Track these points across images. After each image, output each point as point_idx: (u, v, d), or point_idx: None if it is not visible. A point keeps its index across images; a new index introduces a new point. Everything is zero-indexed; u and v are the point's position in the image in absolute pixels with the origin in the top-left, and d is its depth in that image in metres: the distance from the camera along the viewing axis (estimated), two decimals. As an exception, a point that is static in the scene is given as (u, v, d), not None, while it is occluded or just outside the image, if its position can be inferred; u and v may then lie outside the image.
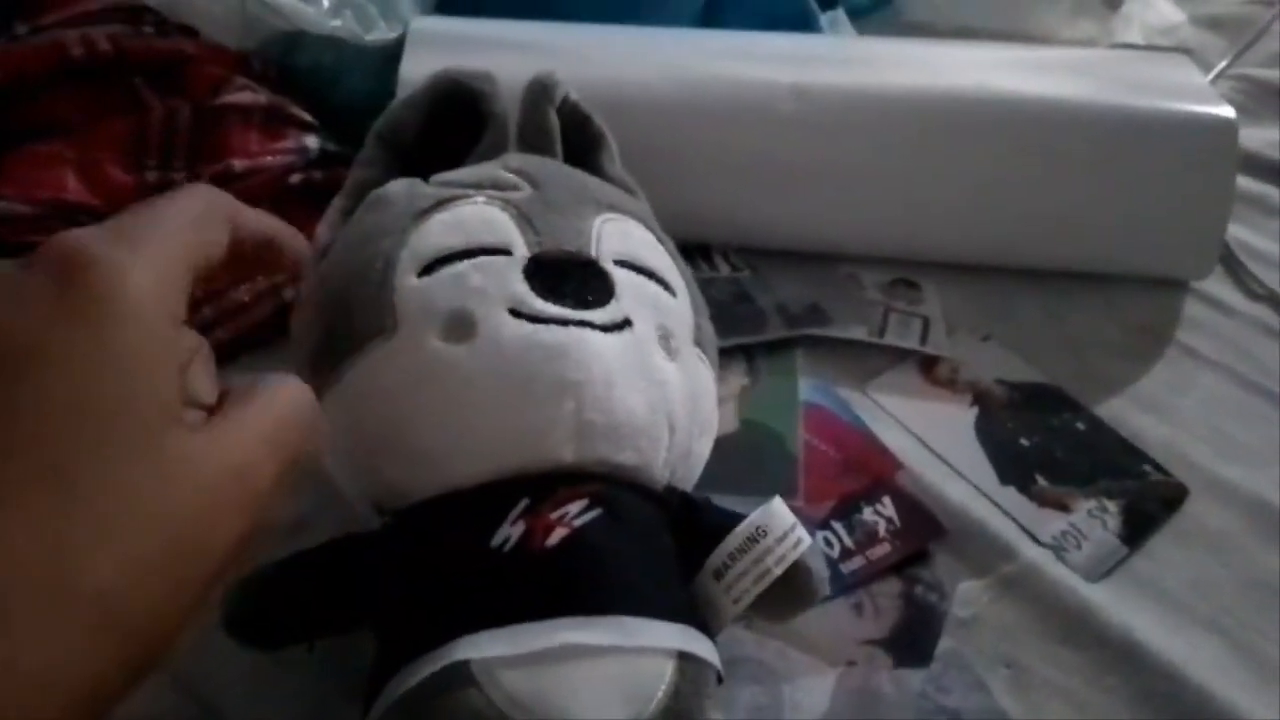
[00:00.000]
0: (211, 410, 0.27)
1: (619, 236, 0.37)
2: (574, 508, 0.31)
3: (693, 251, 0.55)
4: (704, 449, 0.38)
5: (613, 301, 0.34)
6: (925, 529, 0.44)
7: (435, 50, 0.53)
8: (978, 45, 0.61)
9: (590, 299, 0.34)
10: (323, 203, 0.41)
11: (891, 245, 0.56)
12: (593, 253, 0.35)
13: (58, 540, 0.23)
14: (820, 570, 0.36)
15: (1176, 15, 0.78)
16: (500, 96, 0.41)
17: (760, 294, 0.54)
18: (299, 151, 0.53)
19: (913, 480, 0.46)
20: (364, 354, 0.34)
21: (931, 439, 0.48)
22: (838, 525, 0.44)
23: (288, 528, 0.37)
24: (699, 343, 0.38)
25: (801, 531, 0.34)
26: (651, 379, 0.34)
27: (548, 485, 0.32)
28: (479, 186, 0.37)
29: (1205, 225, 0.55)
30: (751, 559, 0.33)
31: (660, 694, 0.29)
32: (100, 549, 0.23)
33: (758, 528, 0.34)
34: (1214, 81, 0.70)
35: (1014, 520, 0.45)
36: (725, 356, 0.46)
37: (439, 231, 0.35)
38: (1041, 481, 0.47)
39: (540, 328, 0.33)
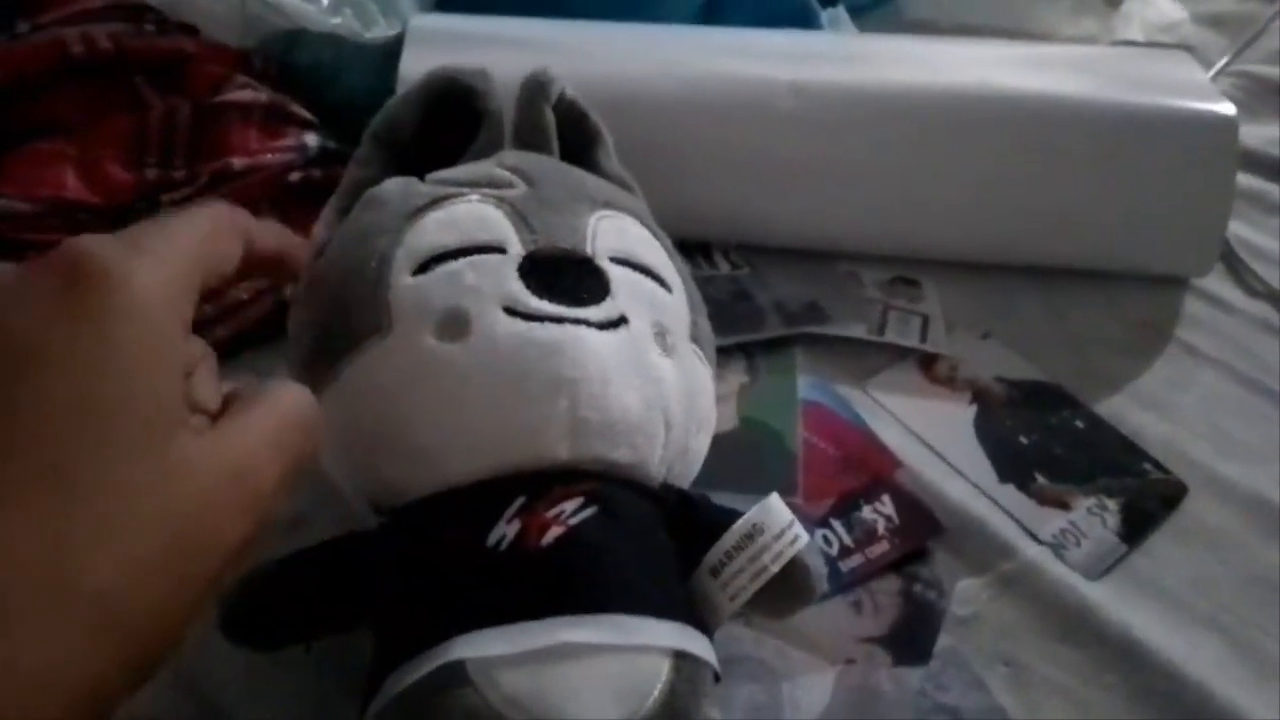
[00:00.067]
0: (215, 416, 0.27)
1: (615, 233, 0.37)
2: (570, 506, 0.31)
3: (692, 249, 0.55)
4: (701, 446, 0.38)
5: (608, 299, 0.34)
6: (924, 527, 0.44)
7: (435, 47, 0.53)
8: (978, 42, 0.61)
9: (585, 296, 0.34)
10: (322, 200, 0.41)
11: (891, 243, 0.56)
12: (588, 250, 0.35)
13: (58, 540, 0.23)
14: (818, 567, 0.36)
15: (1177, 12, 0.77)
16: (495, 94, 0.41)
17: (759, 292, 0.54)
18: (299, 149, 0.53)
19: (912, 478, 0.46)
20: (360, 352, 0.34)
21: (931, 437, 0.48)
22: (837, 523, 0.44)
23: (285, 525, 0.37)
24: (696, 340, 0.38)
25: (799, 528, 0.34)
26: (647, 376, 0.34)
27: (543, 483, 0.32)
28: (474, 184, 0.37)
29: (1206, 222, 0.55)
30: (748, 556, 0.33)
31: (656, 692, 0.29)
32: (100, 549, 0.23)
33: (754, 524, 0.34)
34: (1215, 79, 0.70)
35: (1013, 518, 0.45)
36: (724, 354, 0.46)
37: (434, 230, 0.35)
38: (1041, 479, 0.47)
39: (535, 325, 0.33)
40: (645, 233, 0.39)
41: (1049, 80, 0.55)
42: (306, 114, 0.55)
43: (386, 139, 0.41)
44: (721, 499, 0.37)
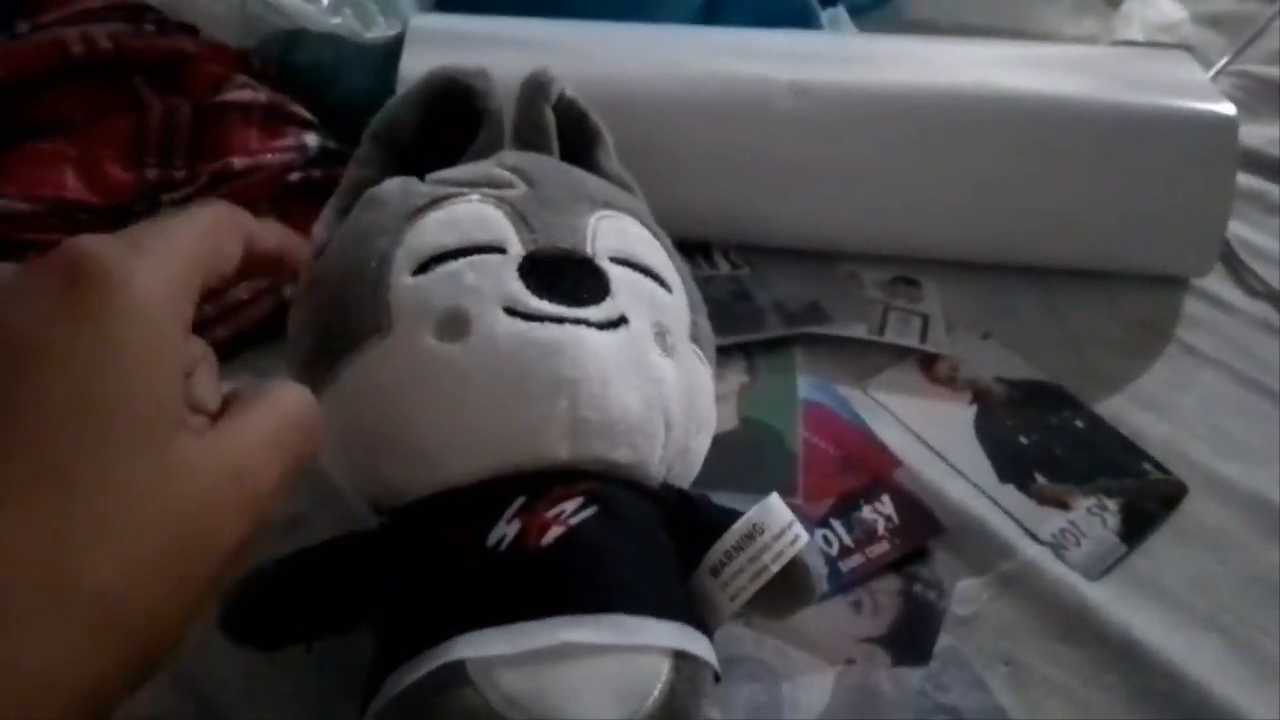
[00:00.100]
0: (215, 416, 0.27)
1: (615, 233, 0.37)
2: (570, 506, 0.31)
3: (692, 249, 0.55)
4: (701, 446, 0.38)
5: (608, 299, 0.34)
6: (924, 527, 0.44)
7: (435, 47, 0.53)
8: (978, 42, 0.61)
9: (585, 296, 0.34)
10: (322, 200, 0.41)
11: (891, 243, 0.56)
12: (588, 250, 0.35)
13: (58, 540, 0.23)
14: (818, 567, 0.36)
15: (1177, 12, 0.77)
16: (495, 93, 0.41)
17: (759, 292, 0.54)
18: (299, 149, 0.53)
19: (912, 478, 0.46)
20: (360, 353, 0.34)
21: (931, 437, 0.48)
22: (837, 523, 0.44)
23: (285, 525, 0.37)
24: (696, 339, 0.38)
25: (798, 528, 0.34)
26: (647, 376, 0.34)
27: (543, 483, 0.32)
28: (474, 184, 0.37)
29: (1205, 222, 0.55)
30: (748, 556, 0.33)
31: (656, 692, 0.29)
32: (100, 549, 0.23)
33: (754, 524, 0.34)
34: (1215, 78, 0.70)
35: (1013, 518, 0.45)
36: (724, 354, 0.46)
37: (434, 230, 0.35)
38: (1040, 479, 0.47)
39: (535, 325, 0.33)
40: (645, 233, 0.39)
41: (1049, 80, 0.55)
42: (306, 114, 0.55)
43: (386, 139, 0.41)
44: (721, 499, 0.37)
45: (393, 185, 0.38)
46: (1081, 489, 0.46)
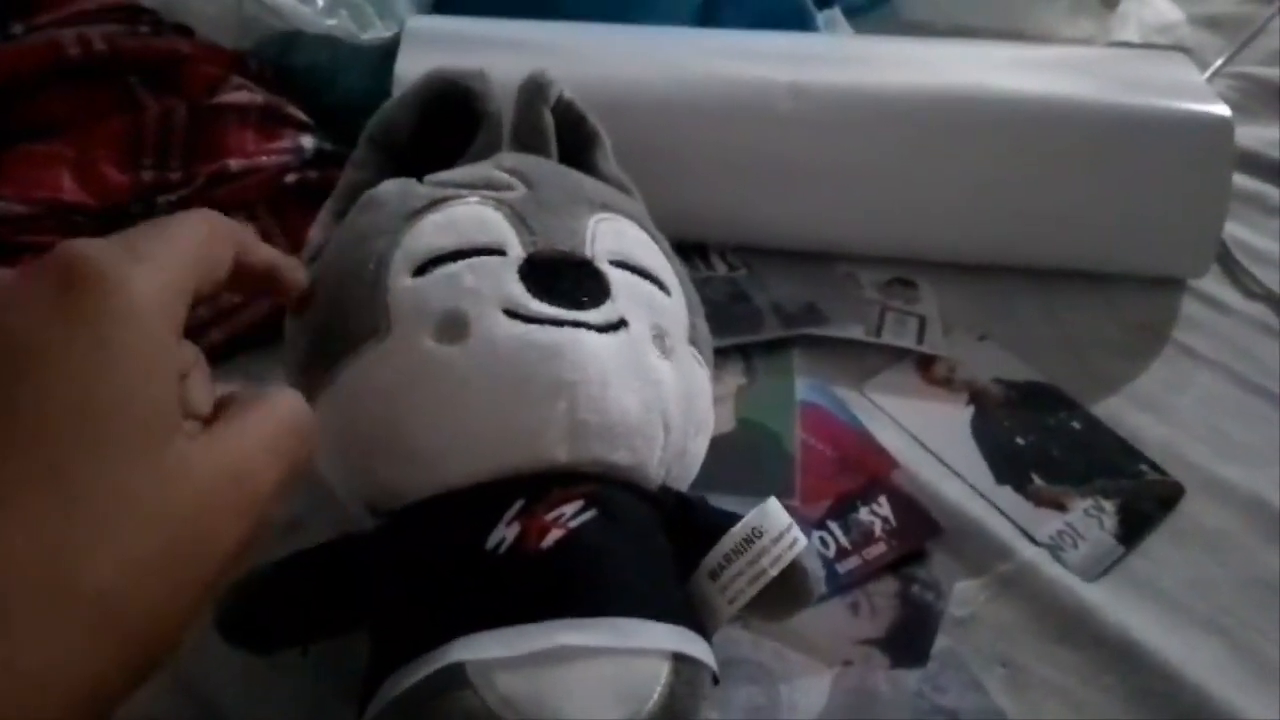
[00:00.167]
0: (207, 422, 0.27)
1: (613, 236, 0.37)
2: (569, 509, 0.31)
3: (689, 251, 0.55)
4: (700, 448, 0.38)
5: (607, 301, 0.34)
6: (921, 528, 0.44)
7: (431, 49, 0.53)
8: (975, 44, 0.61)
9: (585, 299, 0.34)
10: (318, 203, 0.41)
11: (888, 244, 0.56)
12: (587, 252, 0.35)
13: (57, 541, 0.23)
14: (816, 570, 0.36)
15: (1174, 14, 0.78)
16: (494, 95, 0.41)
17: (757, 293, 0.54)
18: (295, 151, 0.53)
19: (909, 479, 0.46)
20: (358, 355, 0.34)
21: (928, 438, 0.48)
22: (834, 525, 0.44)
23: (282, 528, 0.37)
24: (694, 342, 0.38)
25: (797, 532, 0.34)
26: (646, 379, 0.34)
27: (542, 486, 0.32)
28: (472, 186, 0.37)
29: (1202, 224, 0.55)
30: (747, 560, 0.33)
31: (655, 695, 0.29)
32: (100, 549, 0.23)
33: (753, 529, 0.34)
34: (1211, 80, 0.70)
35: (1010, 520, 0.45)
36: (722, 356, 0.46)
37: (432, 232, 0.35)
38: (1038, 481, 0.47)
39: (534, 328, 0.33)
40: (643, 235, 0.39)
41: (1045, 82, 0.55)
42: (303, 116, 0.55)
43: (383, 141, 0.41)
44: (719, 501, 0.37)
45: (391, 187, 0.38)
46: (1079, 490, 0.46)
